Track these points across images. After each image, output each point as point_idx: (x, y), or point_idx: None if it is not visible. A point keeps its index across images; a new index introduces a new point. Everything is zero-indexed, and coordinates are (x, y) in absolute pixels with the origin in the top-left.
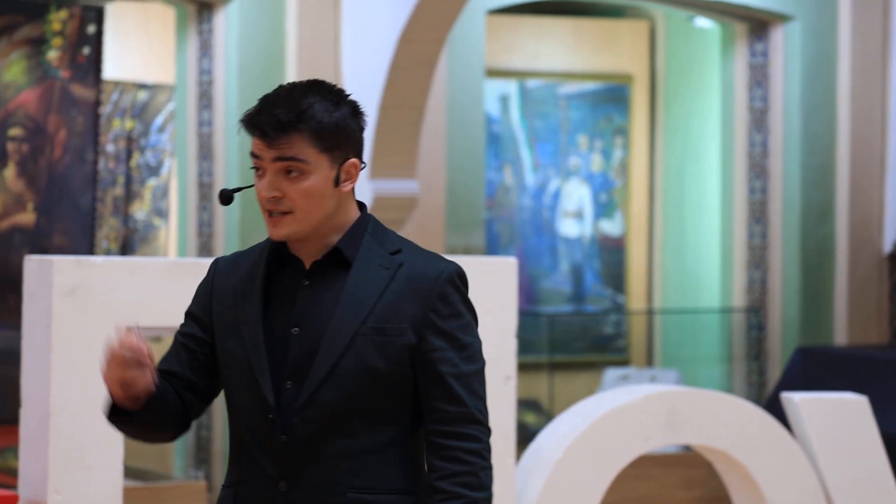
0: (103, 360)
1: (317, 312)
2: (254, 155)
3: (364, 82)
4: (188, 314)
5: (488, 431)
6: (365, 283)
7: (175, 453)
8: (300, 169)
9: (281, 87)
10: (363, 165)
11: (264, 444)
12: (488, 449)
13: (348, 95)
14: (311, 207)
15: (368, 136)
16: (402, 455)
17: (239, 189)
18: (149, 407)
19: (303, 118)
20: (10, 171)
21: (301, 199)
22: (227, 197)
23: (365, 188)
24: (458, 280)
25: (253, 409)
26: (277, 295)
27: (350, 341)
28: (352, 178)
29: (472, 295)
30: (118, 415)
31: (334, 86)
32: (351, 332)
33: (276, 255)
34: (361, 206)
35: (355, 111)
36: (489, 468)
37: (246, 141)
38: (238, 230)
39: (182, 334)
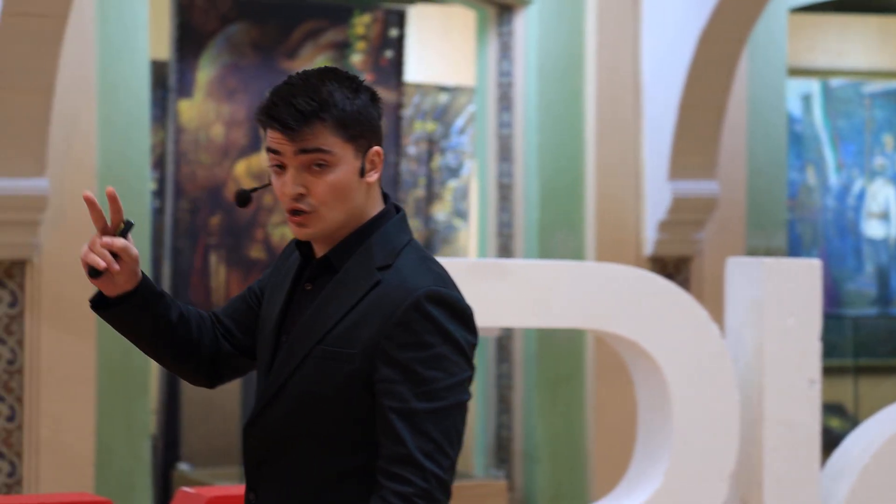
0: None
1: (299, 323)
2: (272, 151)
3: (664, 82)
4: (257, 282)
5: (432, 478)
6: (337, 300)
7: (476, 452)
8: (326, 161)
9: (292, 76)
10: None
11: (243, 451)
12: (424, 496)
13: (363, 81)
14: (338, 202)
15: (668, 136)
16: (361, 488)
17: (256, 189)
18: (137, 306)
19: (325, 107)
20: None
21: (328, 193)
22: (245, 198)
23: (664, 189)
24: (431, 305)
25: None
26: (296, 298)
27: (300, 362)
28: (376, 167)
29: (775, 297)
30: (101, 302)
31: (348, 72)
32: (303, 352)
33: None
34: (386, 197)
35: (374, 98)
36: None
37: (547, 143)
38: (537, 231)
39: (248, 288)
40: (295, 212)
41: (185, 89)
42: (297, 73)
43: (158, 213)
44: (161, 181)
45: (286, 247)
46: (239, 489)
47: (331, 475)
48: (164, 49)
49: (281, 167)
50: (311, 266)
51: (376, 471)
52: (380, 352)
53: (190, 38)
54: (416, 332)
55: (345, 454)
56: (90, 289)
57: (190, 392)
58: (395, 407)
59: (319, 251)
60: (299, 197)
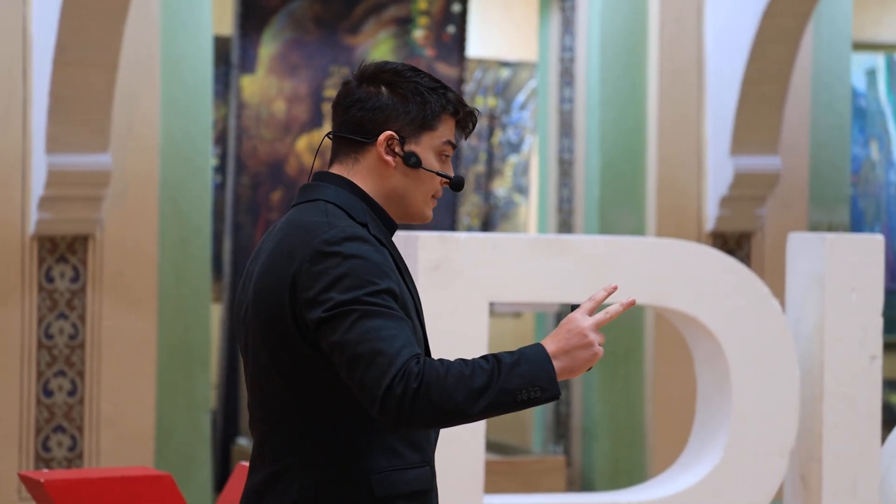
0: (594, 332)
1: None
2: (451, 144)
3: (727, 57)
4: (390, 292)
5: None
6: None
7: (534, 428)
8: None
9: (429, 76)
10: None
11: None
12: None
13: None
14: None
15: (730, 111)
16: None
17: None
18: None
19: None
20: None
21: None
22: (461, 184)
23: (726, 164)
24: None
25: None
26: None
27: None
28: None
29: (837, 273)
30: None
31: None
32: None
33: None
34: None
35: None
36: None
37: (609, 119)
38: (598, 207)
39: (404, 316)
40: (433, 197)
41: (247, 65)
42: (426, 74)
43: (220, 188)
44: (222, 157)
45: (370, 239)
46: None
47: None
48: (227, 25)
49: (446, 157)
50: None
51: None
52: None
53: (253, 13)
54: None
55: None
56: (150, 265)
57: None
58: None
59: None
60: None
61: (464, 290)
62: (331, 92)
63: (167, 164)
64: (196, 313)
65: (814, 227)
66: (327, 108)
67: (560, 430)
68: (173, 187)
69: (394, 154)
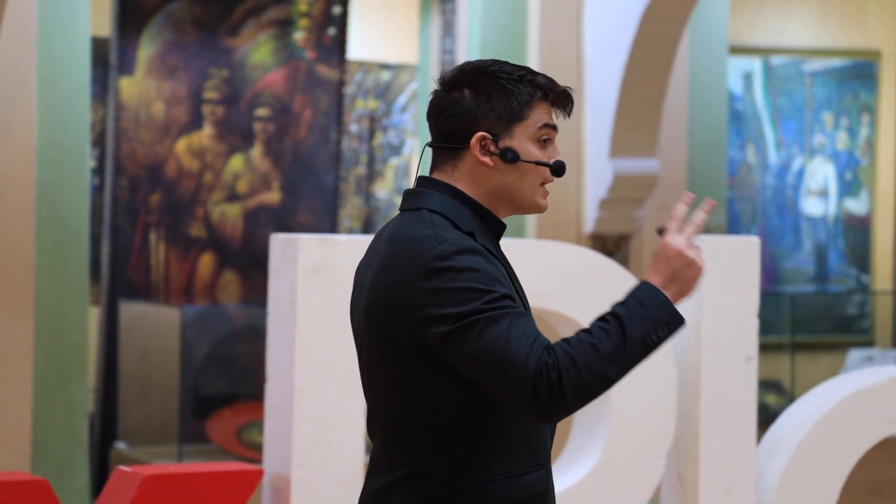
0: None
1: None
2: (549, 126)
3: (606, 60)
4: (508, 297)
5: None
6: None
7: None
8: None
9: (512, 63)
10: None
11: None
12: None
13: None
14: None
15: (609, 114)
16: None
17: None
18: None
19: None
20: (257, 151)
21: None
22: (562, 168)
23: (605, 166)
24: None
25: None
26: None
27: None
28: None
29: (714, 274)
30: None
31: None
32: None
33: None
34: None
35: None
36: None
37: None
38: None
39: (525, 311)
40: (543, 183)
41: (125, 66)
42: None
43: (98, 190)
44: (101, 159)
45: (481, 250)
46: (175, 468)
47: None
48: (104, 26)
49: (546, 141)
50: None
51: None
52: None
53: (131, 14)
54: None
55: None
56: (27, 269)
57: (128, 370)
58: None
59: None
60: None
61: (344, 292)
62: (210, 94)
63: (44, 167)
64: (73, 317)
65: None
66: (207, 109)
67: None
68: (50, 190)
69: (490, 153)
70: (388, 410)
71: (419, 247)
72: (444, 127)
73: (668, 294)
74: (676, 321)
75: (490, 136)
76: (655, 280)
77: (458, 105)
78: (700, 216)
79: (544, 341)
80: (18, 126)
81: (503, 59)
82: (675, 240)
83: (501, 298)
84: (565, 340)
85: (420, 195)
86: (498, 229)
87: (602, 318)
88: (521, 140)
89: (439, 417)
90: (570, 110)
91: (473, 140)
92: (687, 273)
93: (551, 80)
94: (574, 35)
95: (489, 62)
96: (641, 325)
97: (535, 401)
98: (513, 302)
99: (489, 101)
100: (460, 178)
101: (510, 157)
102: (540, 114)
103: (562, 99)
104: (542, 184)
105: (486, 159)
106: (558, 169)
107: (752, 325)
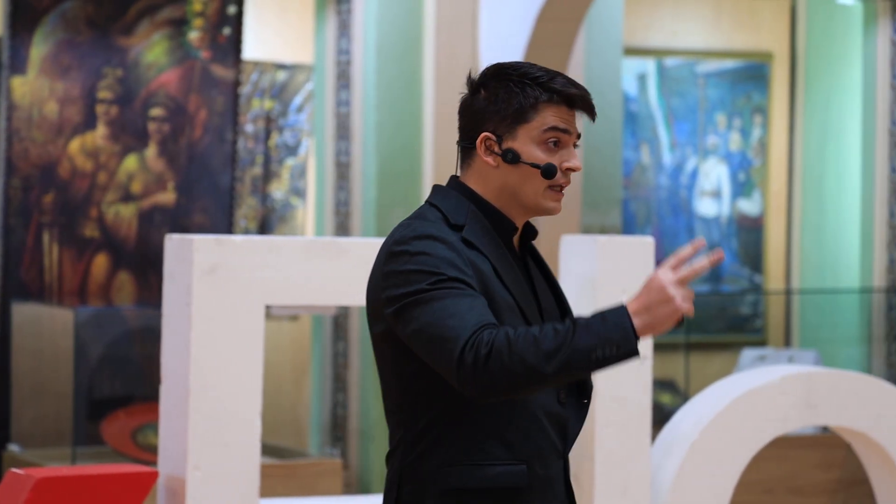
0: (675, 284)
1: (546, 294)
2: (558, 129)
3: (502, 60)
4: (458, 280)
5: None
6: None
7: (311, 431)
8: (577, 146)
9: (549, 69)
10: None
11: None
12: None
13: None
14: None
15: None
16: None
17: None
18: None
19: None
20: (151, 151)
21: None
22: (552, 171)
23: None
24: None
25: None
26: (527, 270)
27: None
28: None
29: (609, 275)
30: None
31: None
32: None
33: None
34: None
35: None
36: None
37: (385, 122)
38: (375, 210)
39: (474, 289)
40: (559, 187)
41: (18, 66)
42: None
43: None
44: None
45: (443, 238)
46: (69, 470)
47: None
48: None
49: (556, 144)
50: (522, 239)
51: None
52: None
53: (23, 13)
54: None
55: None
56: None
57: (20, 372)
58: None
59: (519, 224)
60: (568, 172)
61: (240, 293)
62: (104, 93)
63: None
64: None
65: (586, 230)
66: (100, 109)
67: (337, 433)
68: None
69: (493, 153)
70: (385, 392)
71: (392, 234)
72: (460, 126)
73: (636, 321)
74: (628, 347)
75: (494, 137)
76: (631, 306)
77: (471, 105)
78: (702, 263)
79: (489, 321)
80: None
81: (400, 60)
82: (664, 274)
83: (449, 280)
84: (513, 327)
85: (437, 191)
86: (506, 228)
87: (562, 321)
88: (525, 142)
89: (409, 396)
90: (594, 116)
91: (479, 140)
92: (662, 308)
93: (565, 85)
94: (470, 36)
95: (512, 64)
96: (592, 338)
97: (460, 370)
98: (463, 285)
99: (495, 103)
100: (472, 177)
101: (510, 157)
102: (547, 116)
103: (578, 103)
104: (552, 187)
105: (490, 159)
106: (546, 171)
107: None
